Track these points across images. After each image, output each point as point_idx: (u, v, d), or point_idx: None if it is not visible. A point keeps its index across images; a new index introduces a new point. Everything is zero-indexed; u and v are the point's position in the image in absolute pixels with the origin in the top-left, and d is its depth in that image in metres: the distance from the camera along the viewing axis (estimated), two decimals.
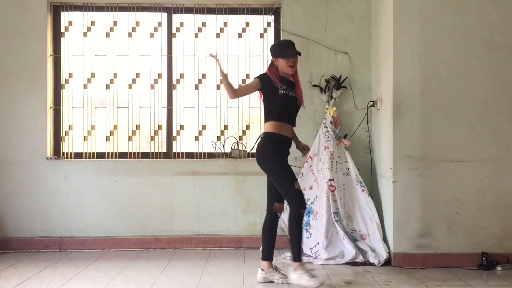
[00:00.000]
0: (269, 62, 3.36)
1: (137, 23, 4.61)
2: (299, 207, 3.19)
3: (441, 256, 3.75)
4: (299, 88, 3.39)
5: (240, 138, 4.61)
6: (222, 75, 3.29)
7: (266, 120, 3.36)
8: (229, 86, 3.28)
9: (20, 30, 4.42)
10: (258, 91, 3.36)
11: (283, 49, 3.32)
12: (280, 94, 3.25)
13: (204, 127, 4.61)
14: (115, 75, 4.59)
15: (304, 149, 3.59)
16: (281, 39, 4.50)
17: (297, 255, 3.22)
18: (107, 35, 4.59)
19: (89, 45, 4.59)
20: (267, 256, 3.35)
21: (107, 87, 4.58)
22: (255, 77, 3.37)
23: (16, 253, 4.27)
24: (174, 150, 4.59)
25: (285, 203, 3.34)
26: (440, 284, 3.30)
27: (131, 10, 4.58)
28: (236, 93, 3.32)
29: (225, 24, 4.63)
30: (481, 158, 3.79)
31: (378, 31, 4.28)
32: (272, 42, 4.61)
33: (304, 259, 3.85)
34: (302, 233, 3.30)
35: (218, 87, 4.60)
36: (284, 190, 3.22)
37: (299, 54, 3.34)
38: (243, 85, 3.35)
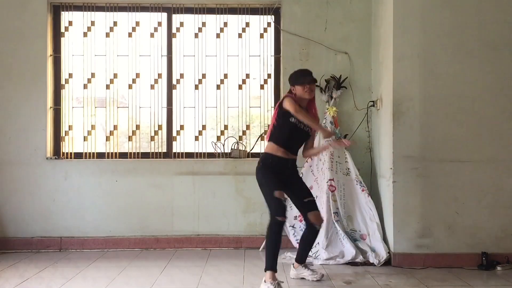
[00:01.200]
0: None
1: (137, 23, 4.61)
2: (275, 214, 3.09)
3: (441, 256, 3.75)
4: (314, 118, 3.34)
5: (240, 138, 4.61)
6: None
7: (268, 140, 3.34)
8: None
9: (20, 30, 4.42)
10: (276, 110, 3.29)
11: (300, 77, 3.31)
12: (290, 122, 3.22)
13: (204, 127, 4.61)
14: (115, 75, 4.59)
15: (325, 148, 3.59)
16: (281, 39, 4.51)
17: (269, 264, 3.12)
18: (107, 35, 4.59)
19: (89, 45, 4.59)
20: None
21: (107, 87, 4.58)
22: (287, 96, 3.26)
23: (16, 253, 4.27)
24: (174, 150, 4.59)
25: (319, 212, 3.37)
26: (440, 284, 3.31)
27: (131, 10, 4.58)
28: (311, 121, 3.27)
29: (225, 24, 4.63)
30: (481, 158, 3.79)
31: (378, 31, 4.28)
32: (272, 42, 4.62)
33: None
34: (278, 243, 3.13)
35: (218, 87, 4.61)
36: (266, 199, 3.19)
37: (315, 81, 3.34)
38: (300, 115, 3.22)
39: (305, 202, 3.31)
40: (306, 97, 3.31)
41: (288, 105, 3.16)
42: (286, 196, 3.25)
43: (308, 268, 3.44)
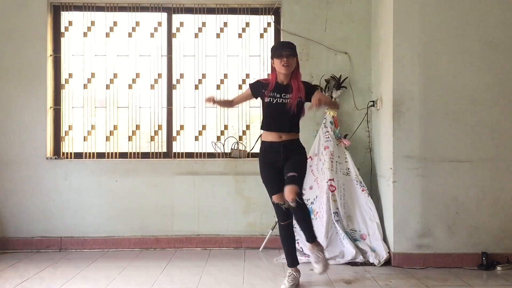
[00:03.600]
0: (269, 62, 3.35)
1: (137, 23, 4.61)
2: (277, 219, 3.34)
3: (441, 256, 3.75)
4: (295, 92, 3.13)
5: (240, 138, 4.61)
6: (218, 104, 3.43)
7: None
8: (225, 104, 3.53)
9: (20, 30, 4.42)
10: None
11: (277, 49, 3.17)
12: (265, 102, 3.19)
13: (204, 127, 4.61)
14: (115, 75, 4.59)
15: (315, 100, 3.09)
16: (281, 39, 4.51)
17: (288, 262, 3.35)
18: (107, 35, 4.59)
19: (89, 45, 4.59)
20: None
21: (107, 87, 4.58)
22: (249, 85, 3.37)
23: (16, 253, 4.27)
24: (174, 150, 4.59)
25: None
26: (440, 284, 3.31)
27: (131, 10, 4.58)
28: (232, 103, 3.44)
29: (225, 24, 4.63)
30: (481, 158, 3.79)
31: (378, 31, 4.28)
32: (272, 42, 4.62)
33: (303, 259, 3.86)
34: (286, 241, 3.32)
35: (218, 87, 4.61)
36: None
37: (291, 53, 3.11)
38: (238, 95, 3.49)
39: (286, 177, 3.09)
40: (282, 72, 3.12)
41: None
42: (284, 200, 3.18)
43: (318, 253, 3.24)
